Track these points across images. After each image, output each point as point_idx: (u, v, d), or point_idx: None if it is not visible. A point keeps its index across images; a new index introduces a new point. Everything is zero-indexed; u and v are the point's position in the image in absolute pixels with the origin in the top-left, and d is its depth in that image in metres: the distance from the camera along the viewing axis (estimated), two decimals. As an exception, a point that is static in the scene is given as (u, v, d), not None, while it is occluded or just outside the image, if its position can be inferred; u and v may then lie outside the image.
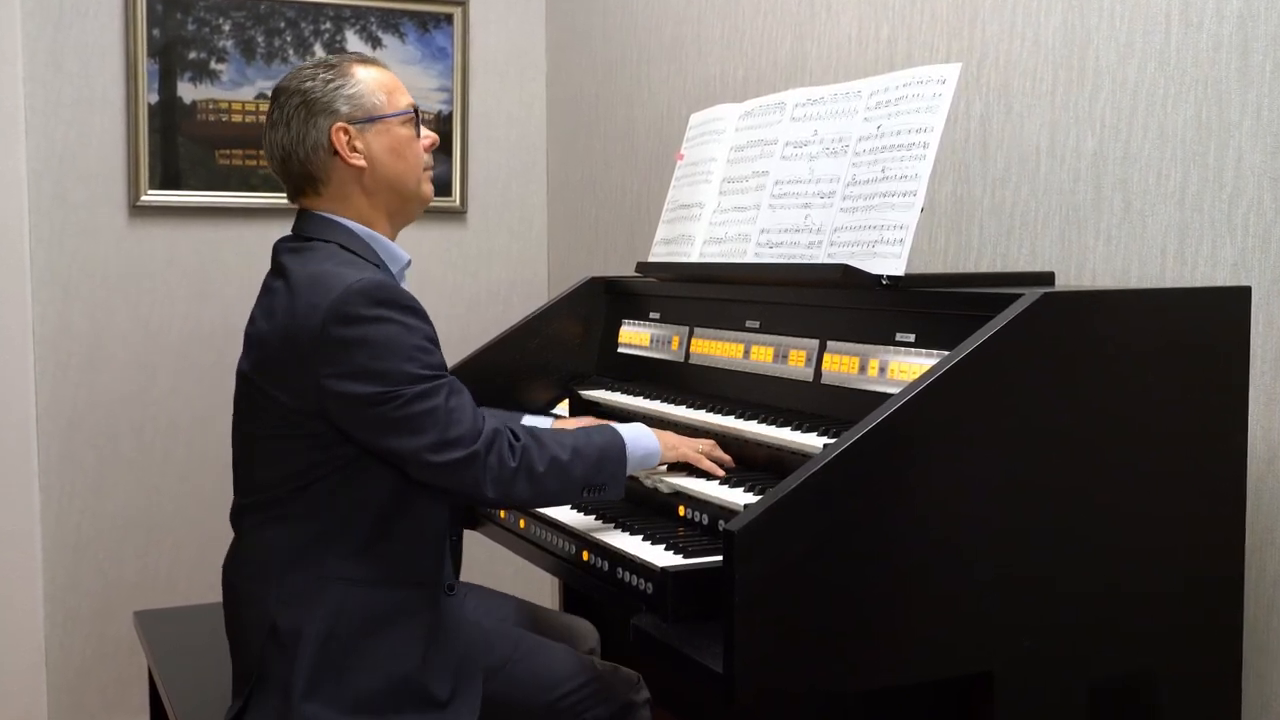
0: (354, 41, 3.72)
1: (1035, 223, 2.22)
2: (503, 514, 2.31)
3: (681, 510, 2.00)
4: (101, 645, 3.56)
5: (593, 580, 1.94)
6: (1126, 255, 2.05)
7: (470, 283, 3.95)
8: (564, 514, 2.11)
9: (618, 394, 2.39)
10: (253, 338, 1.90)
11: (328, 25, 3.70)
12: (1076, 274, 2.13)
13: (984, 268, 2.32)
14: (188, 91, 3.55)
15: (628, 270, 2.84)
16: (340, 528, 1.86)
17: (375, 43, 3.74)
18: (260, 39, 3.63)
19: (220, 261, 3.63)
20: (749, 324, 2.21)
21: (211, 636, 2.08)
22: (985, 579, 1.57)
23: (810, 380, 2.02)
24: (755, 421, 2.01)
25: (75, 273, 3.49)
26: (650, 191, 3.41)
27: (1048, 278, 2.10)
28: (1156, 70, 1.99)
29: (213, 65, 3.58)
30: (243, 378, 1.93)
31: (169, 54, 3.53)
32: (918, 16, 2.46)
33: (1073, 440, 1.61)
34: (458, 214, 3.91)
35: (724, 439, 2.08)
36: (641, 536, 1.92)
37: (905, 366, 1.83)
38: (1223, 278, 1.90)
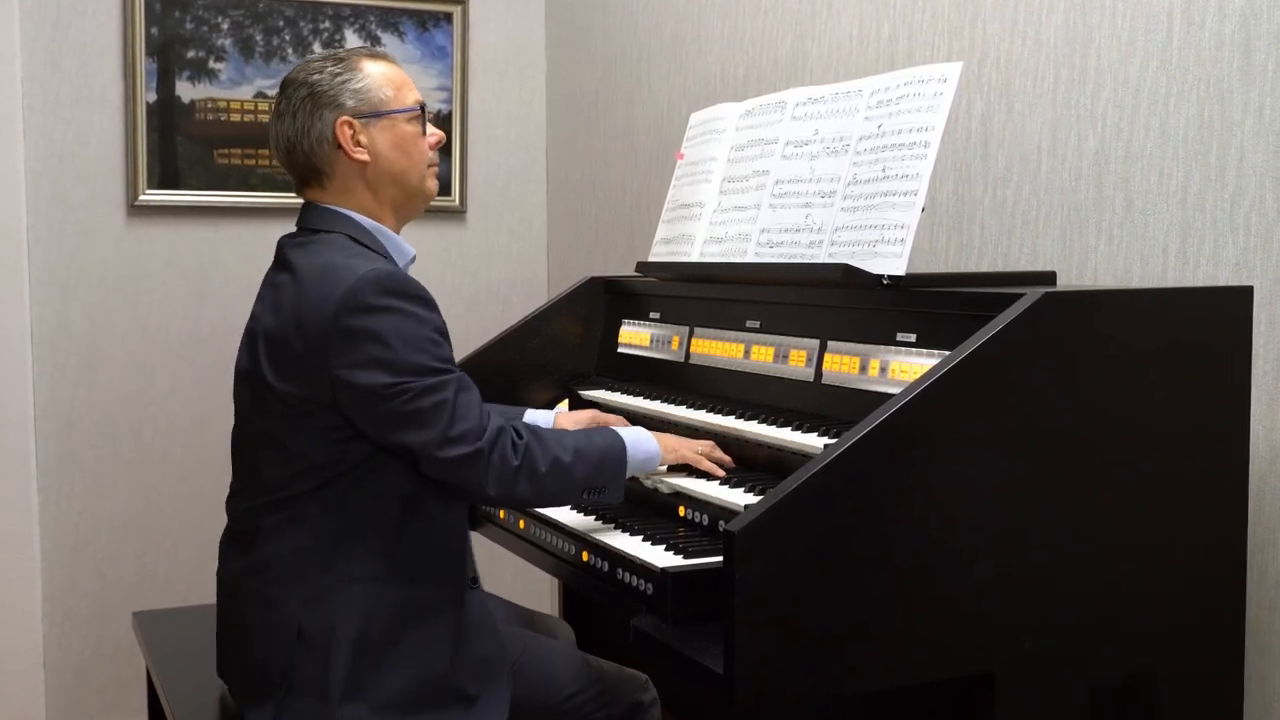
0: (353, 40, 3.72)
1: (1036, 222, 2.21)
2: (502, 514, 2.30)
3: (682, 511, 1.99)
4: (100, 646, 3.56)
5: (593, 581, 1.93)
6: (1128, 255, 2.04)
7: (470, 282, 3.95)
8: (564, 514, 2.11)
9: (618, 394, 2.38)
10: (256, 334, 1.89)
11: (326, 24, 3.69)
12: (1078, 274, 2.13)
13: (985, 267, 2.32)
14: (186, 90, 3.55)
15: (628, 270, 2.84)
16: (361, 526, 1.85)
17: (374, 42, 3.74)
18: (259, 38, 3.62)
19: (219, 261, 3.62)
20: (749, 324, 2.20)
21: (210, 637, 2.07)
22: (986, 579, 1.57)
23: (811, 380, 2.02)
24: (756, 422, 2.00)
25: (73, 272, 3.48)
26: (650, 191, 3.41)
27: (1049, 277, 2.09)
28: (1158, 69, 1.99)
29: (211, 64, 3.57)
30: (244, 377, 1.91)
31: (167, 53, 3.52)
32: (919, 15, 2.45)
33: (1074, 440, 1.60)
34: (457, 213, 3.90)
35: (724, 439, 2.07)
36: (641, 537, 1.91)
37: (906, 366, 1.82)
38: (1225, 277, 1.89)
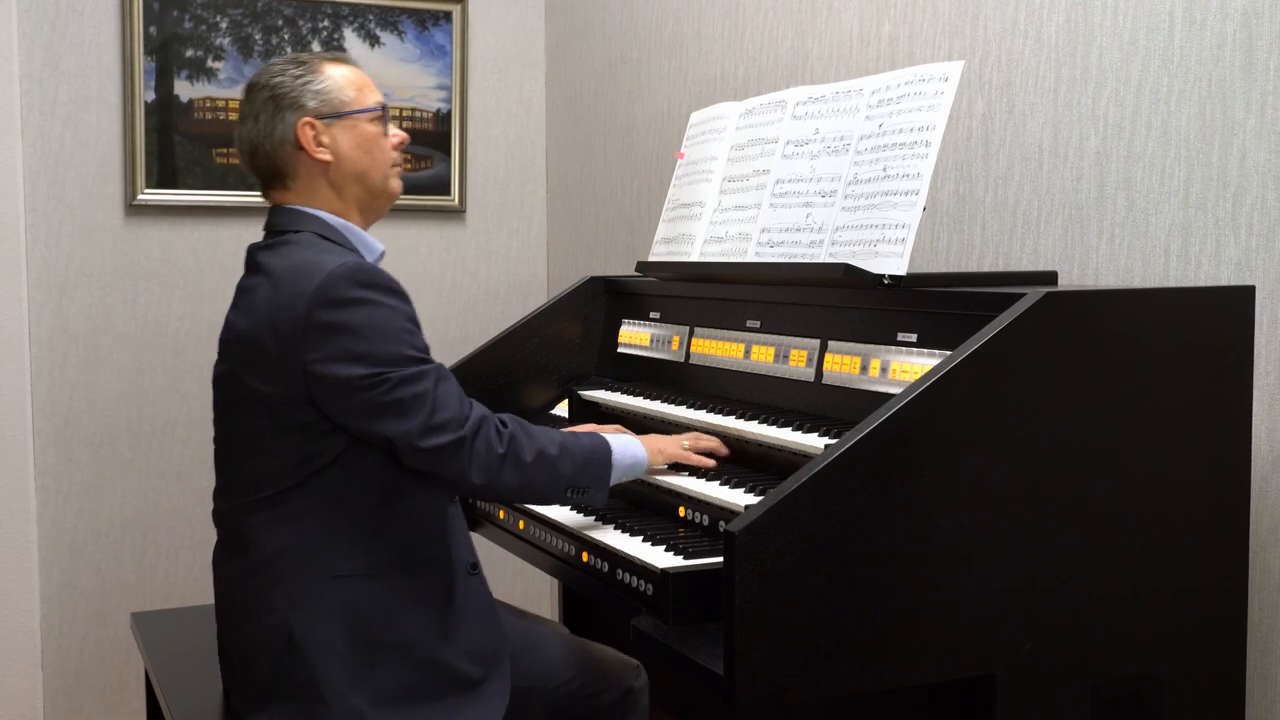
0: (352, 39, 3.71)
1: (1038, 222, 2.20)
2: (502, 514, 2.30)
3: (682, 511, 1.99)
4: (98, 647, 3.55)
5: (592, 581, 1.93)
6: (1130, 254, 2.04)
7: (469, 282, 3.94)
8: (564, 514, 2.10)
9: (618, 394, 2.38)
10: (230, 340, 1.90)
11: (325, 23, 3.69)
12: (1079, 273, 2.12)
13: (986, 267, 2.31)
14: (184, 90, 3.54)
15: (628, 270, 2.84)
16: (343, 521, 1.85)
17: (374, 41, 3.73)
18: (258, 36, 3.61)
19: (217, 260, 3.61)
20: (750, 324, 2.19)
21: (209, 638, 2.07)
22: (988, 580, 1.56)
23: (811, 380, 2.01)
24: (756, 422, 2.00)
25: (72, 272, 3.48)
26: (650, 190, 3.40)
27: (1050, 277, 2.08)
28: (1160, 68, 1.98)
29: (210, 63, 3.56)
30: (221, 382, 1.93)
31: (166, 52, 3.52)
32: (919, 14, 2.44)
33: (1075, 440, 1.60)
34: (456, 213, 3.89)
35: (725, 439, 2.07)
36: (642, 537, 1.91)
37: (907, 366, 1.82)
38: (1226, 277, 1.89)
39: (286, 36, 3.64)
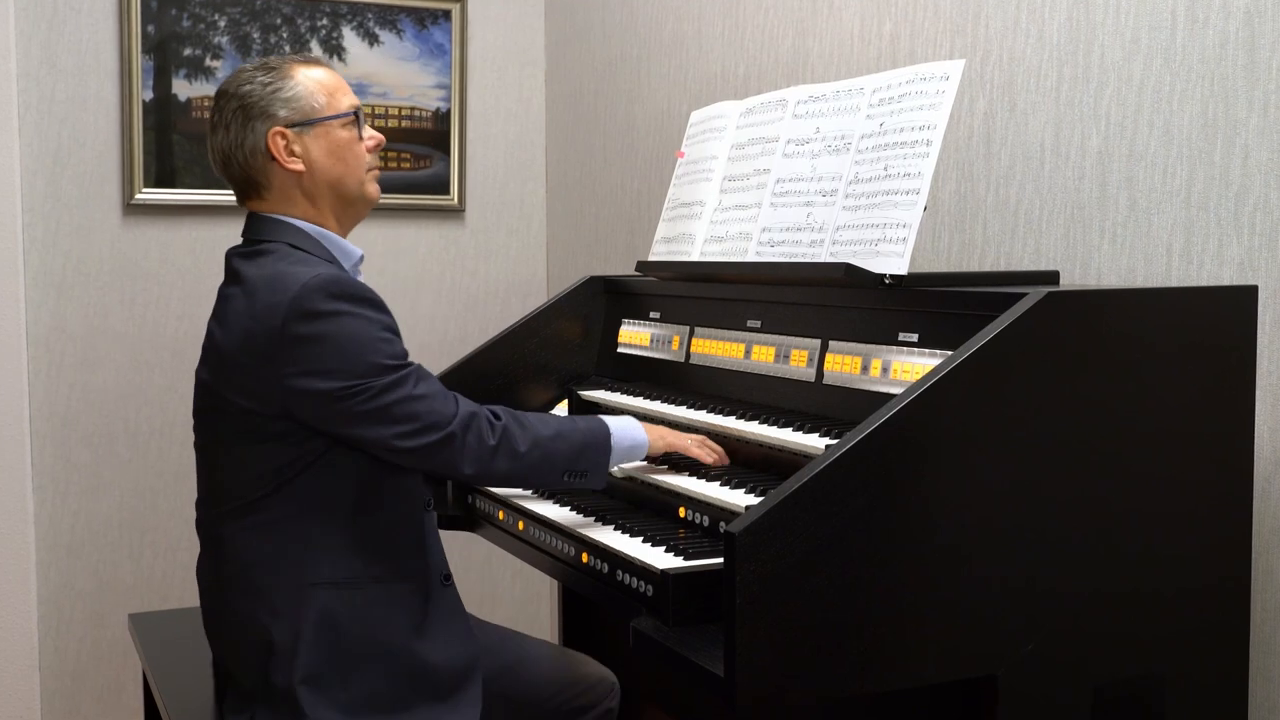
0: (351, 38, 3.70)
1: (1039, 221, 2.20)
2: (501, 515, 2.29)
3: (682, 511, 1.98)
4: (96, 648, 3.54)
5: (592, 582, 1.92)
6: (1132, 254, 2.03)
7: (469, 282, 3.93)
8: (563, 515, 2.09)
9: (618, 394, 2.37)
10: (209, 349, 1.90)
11: (324, 21, 3.68)
12: (1081, 273, 2.12)
13: (988, 267, 2.31)
14: (182, 89, 3.53)
15: (628, 269, 2.83)
16: (318, 528, 1.85)
17: (373, 39, 3.72)
18: (256, 35, 3.60)
19: (215, 260, 3.59)
20: (750, 323, 2.19)
21: (205, 640, 2.06)
22: (989, 581, 1.56)
23: (812, 380, 2.00)
24: (756, 422, 1.99)
25: (69, 272, 3.47)
26: (650, 190, 3.40)
27: (1052, 277, 2.08)
28: (1162, 67, 1.97)
29: (208, 62, 3.56)
30: (202, 386, 1.93)
31: (163, 51, 3.51)
32: (921, 13, 2.44)
33: (1077, 441, 1.59)
34: (456, 212, 3.89)
35: (725, 439, 2.06)
36: (642, 538, 1.90)
37: (908, 366, 1.81)
38: (1229, 276, 1.88)
39: (285, 35, 3.64)
